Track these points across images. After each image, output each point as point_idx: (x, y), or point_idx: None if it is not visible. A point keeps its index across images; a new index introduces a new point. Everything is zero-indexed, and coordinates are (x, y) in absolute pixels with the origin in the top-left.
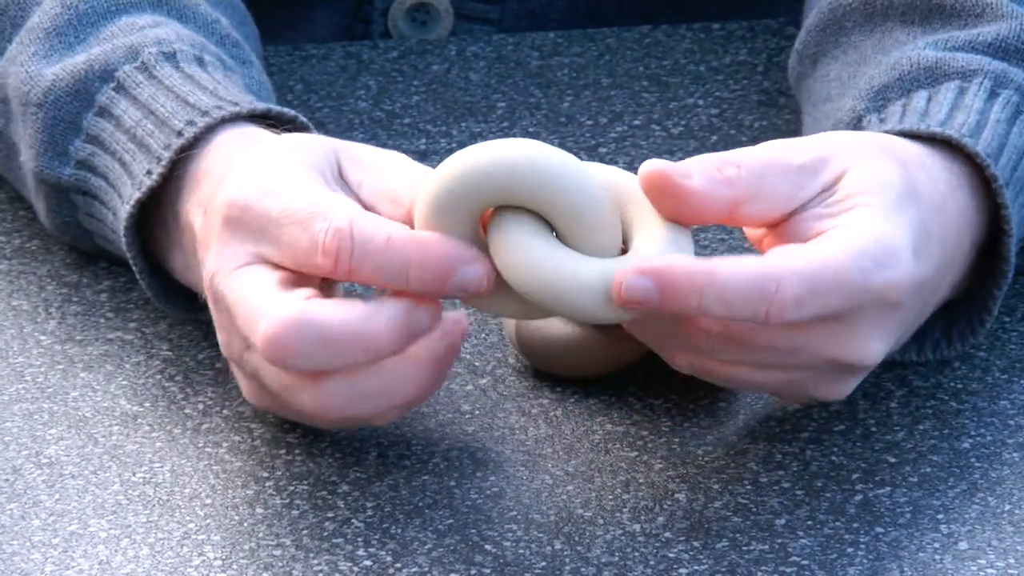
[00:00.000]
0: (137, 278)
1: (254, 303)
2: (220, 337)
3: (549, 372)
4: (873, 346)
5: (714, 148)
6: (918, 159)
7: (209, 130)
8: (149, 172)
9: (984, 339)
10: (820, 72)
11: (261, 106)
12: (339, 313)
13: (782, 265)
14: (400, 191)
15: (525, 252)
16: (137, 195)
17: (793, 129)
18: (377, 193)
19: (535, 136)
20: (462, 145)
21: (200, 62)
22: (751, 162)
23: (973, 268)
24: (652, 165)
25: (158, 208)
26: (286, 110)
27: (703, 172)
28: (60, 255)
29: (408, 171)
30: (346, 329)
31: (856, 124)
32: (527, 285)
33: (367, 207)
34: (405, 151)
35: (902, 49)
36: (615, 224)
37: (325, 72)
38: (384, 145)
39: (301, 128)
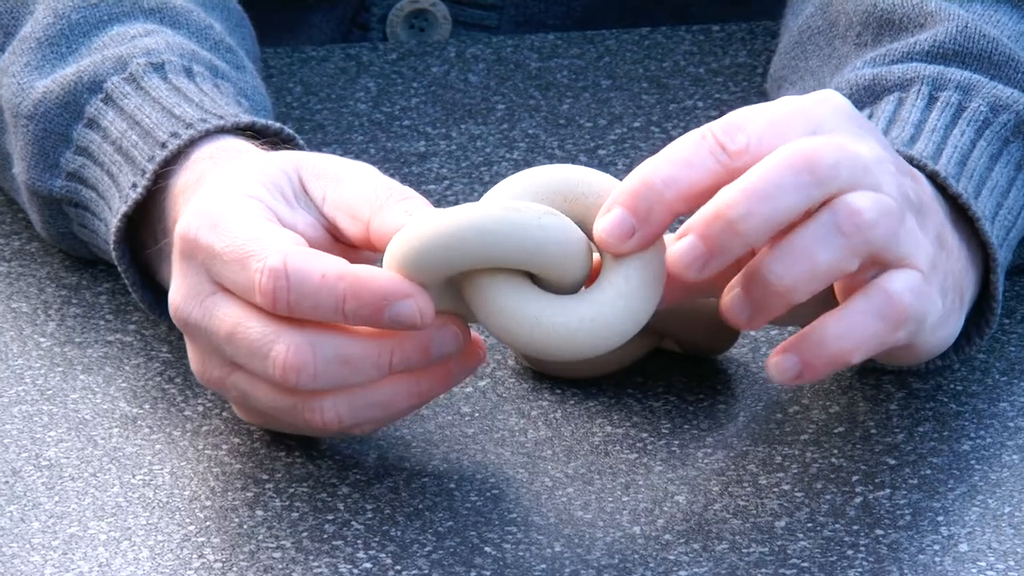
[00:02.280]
0: (129, 289)
1: (254, 330)
2: (194, 365)
3: (548, 374)
4: (867, 149)
5: None
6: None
7: (192, 143)
8: (135, 185)
9: (984, 341)
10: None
11: (245, 119)
12: (351, 337)
13: (816, 139)
14: (358, 206)
15: (504, 310)
16: (124, 208)
17: None
18: (337, 207)
19: (534, 138)
20: (462, 147)
21: (189, 73)
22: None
23: (977, 273)
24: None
25: (147, 220)
26: (271, 123)
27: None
28: (59, 257)
29: (369, 185)
30: (365, 348)
31: None
32: (512, 341)
33: (329, 221)
34: (404, 153)
35: (841, 74)
36: (588, 259)
37: (324, 74)
38: (383, 148)
39: (286, 140)
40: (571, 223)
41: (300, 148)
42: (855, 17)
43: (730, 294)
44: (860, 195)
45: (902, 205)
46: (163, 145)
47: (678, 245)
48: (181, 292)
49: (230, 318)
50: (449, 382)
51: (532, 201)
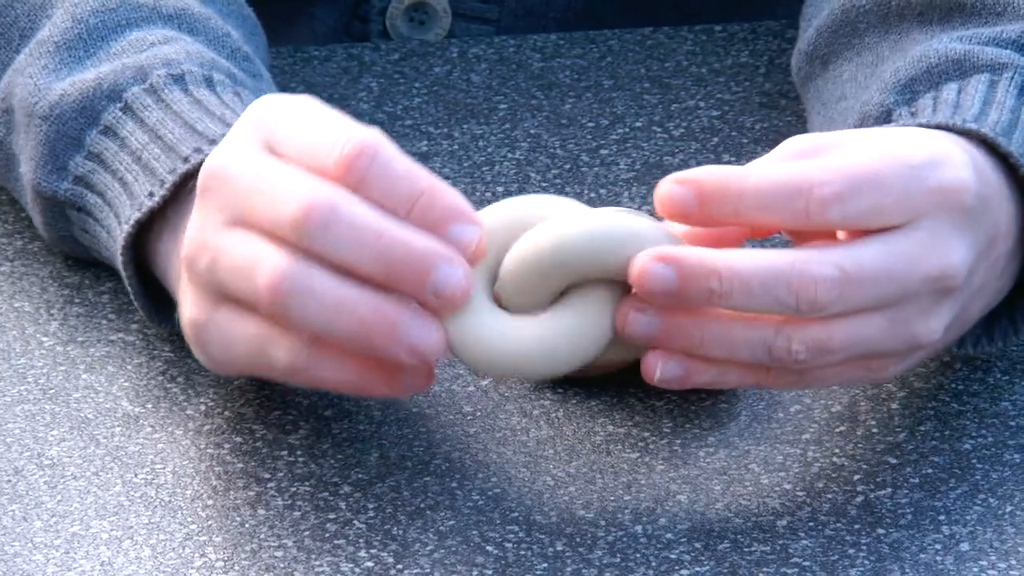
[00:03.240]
0: (131, 296)
1: (260, 252)
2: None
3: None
4: (959, 251)
5: (715, 150)
6: (957, 141)
7: None
8: (151, 194)
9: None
10: (832, 73)
11: None
12: (342, 284)
13: (818, 166)
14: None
15: (472, 327)
16: (137, 215)
17: (794, 131)
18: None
19: (536, 138)
20: (464, 147)
21: (209, 83)
22: (756, 164)
23: (1019, 266)
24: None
25: (156, 228)
26: None
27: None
28: (62, 257)
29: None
30: (347, 294)
31: (886, 118)
32: (475, 357)
33: None
34: (407, 152)
35: (927, 43)
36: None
37: (327, 74)
38: None
39: None
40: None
41: None
42: None
43: (640, 314)
44: (809, 334)
45: (885, 338)
46: (185, 159)
47: (656, 265)
48: (196, 226)
49: (242, 245)
50: (391, 337)
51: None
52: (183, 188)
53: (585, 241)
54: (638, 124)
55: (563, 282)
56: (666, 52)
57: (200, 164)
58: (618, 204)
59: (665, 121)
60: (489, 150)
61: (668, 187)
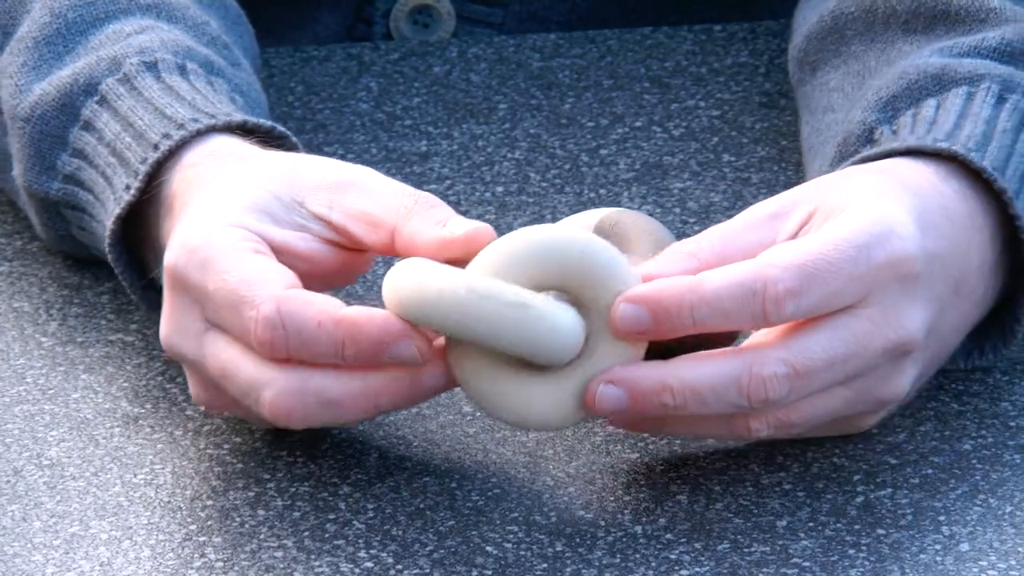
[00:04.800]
0: (127, 290)
1: (244, 371)
2: (193, 390)
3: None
4: (913, 318)
5: (715, 150)
6: (912, 170)
7: (184, 143)
8: (127, 187)
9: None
10: (820, 80)
11: (238, 118)
12: (341, 381)
13: (769, 262)
14: (378, 214)
15: (487, 380)
16: (117, 211)
17: (794, 130)
18: (350, 215)
19: (536, 138)
20: (463, 147)
21: (182, 70)
22: (715, 230)
23: (1004, 278)
24: (627, 311)
25: (143, 221)
26: (263, 121)
27: (666, 258)
28: (61, 257)
29: (387, 190)
30: (353, 393)
31: (868, 136)
32: (495, 412)
33: (339, 229)
34: (406, 152)
35: (907, 58)
36: (575, 346)
37: (326, 74)
38: (385, 147)
39: (278, 139)
40: (562, 314)
41: (293, 146)
42: (899, 5)
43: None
44: (765, 423)
45: (859, 397)
46: (155, 147)
47: (608, 388)
48: (171, 325)
49: (222, 358)
50: (410, 400)
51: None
52: (159, 174)
53: (529, 250)
54: (638, 124)
55: (528, 283)
56: (666, 52)
57: (170, 151)
58: (618, 204)
59: (665, 121)
60: (489, 150)
61: (622, 308)
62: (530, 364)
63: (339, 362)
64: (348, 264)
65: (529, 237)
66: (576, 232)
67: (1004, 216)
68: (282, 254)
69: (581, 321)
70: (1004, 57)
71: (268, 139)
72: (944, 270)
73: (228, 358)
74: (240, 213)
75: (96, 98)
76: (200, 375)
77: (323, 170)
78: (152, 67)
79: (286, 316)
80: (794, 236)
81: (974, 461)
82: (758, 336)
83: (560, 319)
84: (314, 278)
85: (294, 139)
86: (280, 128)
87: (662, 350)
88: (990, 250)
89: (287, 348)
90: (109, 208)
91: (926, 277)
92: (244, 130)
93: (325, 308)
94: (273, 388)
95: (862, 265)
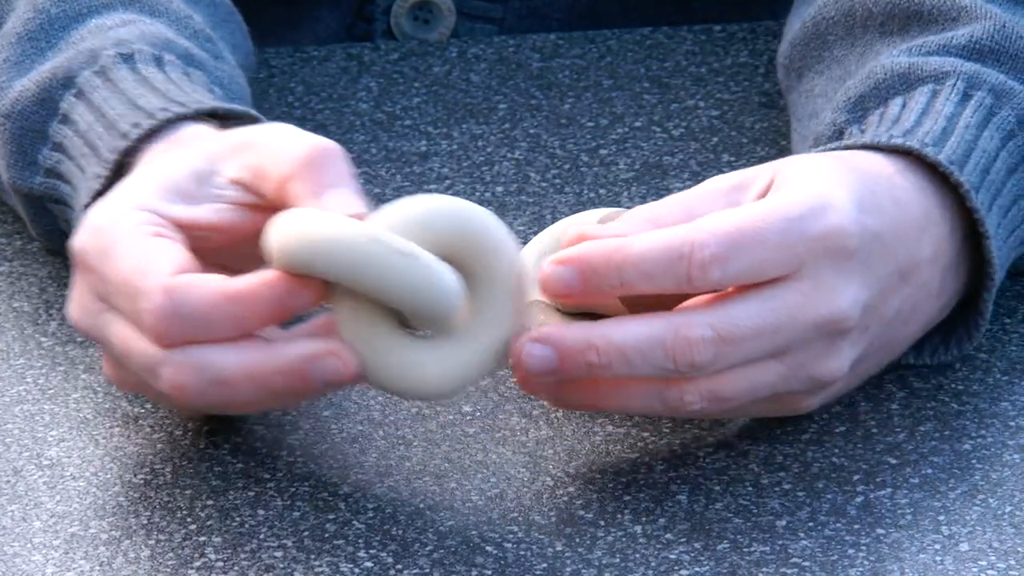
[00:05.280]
0: None
1: (142, 352)
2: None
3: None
4: (845, 295)
5: (715, 150)
6: (869, 160)
7: (154, 132)
8: (97, 176)
9: (985, 341)
10: (805, 87)
11: (207, 105)
12: (231, 356)
13: (697, 227)
14: (269, 165)
15: (372, 346)
16: (85, 201)
17: None
18: (247, 168)
19: (536, 138)
20: (463, 147)
21: (159, 62)
22: (673, 198)
23: (967, 276)
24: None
25: None
26: (235, 107)
27: (623, 224)
28: (61, 257)
29: (281, 145)
30: (248, 373)
31: (838, 136)
32: (377, 377)
33: (250, 188)
34: (406, 152)
35: (877, 58)
36: (453, 309)
37: (326, 74)
38: (385, 147)
39: (251, 123)
40: (447, 271)
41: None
42: (875, 8)
43: (554, 273)
44: (698, 392)
45: (793, 373)
46: (124, 136)
47: (534, 347)
48: (77, 304)
49: (120, 338)
50: (304, 385)
51: (424, 233)
52: (131, 163)
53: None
54: (637, 124)
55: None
56: (665, 52)
57: (139, 140)
58: (618, 204)
59: (664, 121)
60: (488, 150)
61: (550, 269)
62: (413, 333)
63: (245, 335)
64: (260, 226)
65: (426, 203)
66: (472, 205)
67: (964, 211)
68: (193, 230)
69: (463, 285)
70: (972, 55)
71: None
72: (885, 251)
73: (127, 337)
74: (149, 194)
75: (74, 91)
76: (107, 353)
77: (247, 133)
78: (128, 59)
79: (178, 304)
80: (758, 198)
81: (974, 461)
82: (688, 303)
83: (445, 274)
84: (236, 246)
85: (264, 122)
86: (254, 113)
87: None
88: (948, 246)
89: (183, 335)
90: (82, 199)
91: (863, 255)
92: (219, 118)
93: (215, 287)
94: (171, 365)
95: (793, 236)
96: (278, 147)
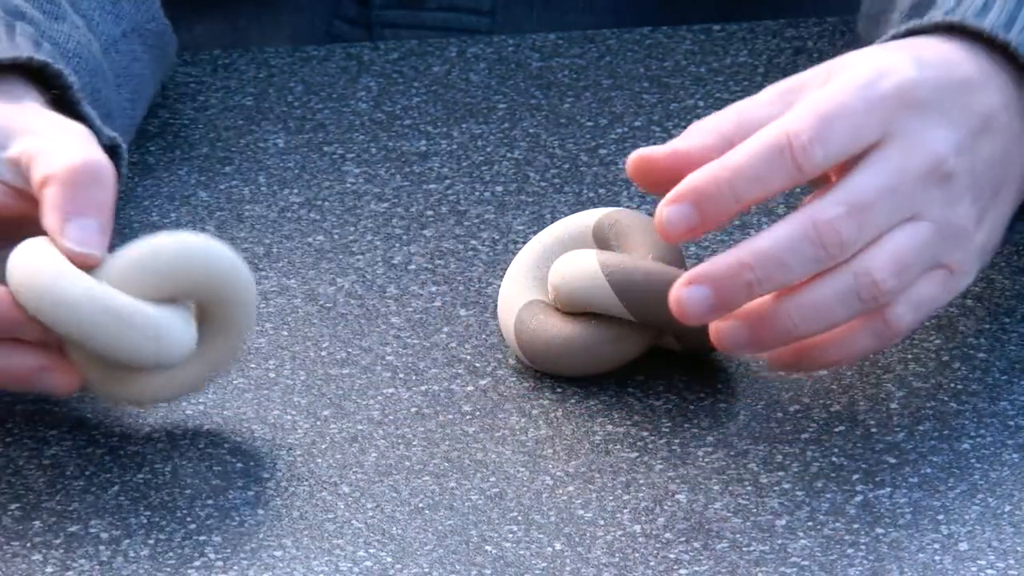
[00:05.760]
0: None
1: None
2: None
3: (550, 372)
4: (935, 138)
5: None
6: (918, 42)
7: None
8: None
9: (984, 340)
10: (881, 30)
11: (21, 55)
12: None
13: (785, 120)
14: (38, 160)
15: (93, 366)
16: None
17: None
18: (26, 154)
19: (535, 138)
20: (462, 146)
21: None
22: (732, 107)
23: None
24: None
25: None
26: (36, 57)
27: (683, 136)
28: None
29: (63, 145)
30: None
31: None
32: (97, 389)
33: (19, 169)
34: (405, 152)
35: None
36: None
37: (325, 73)
38: (384, 147)
39: (53, 77)
40: (170, 322)
41: (68, 85)
42: None
43: (727, 324)
44: (879, 259)
45: (938, 233)
46: None
47: (688, 290)
48: None
49: None
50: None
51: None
52: None
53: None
54: (637, 123)
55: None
56: (665, 52)
57: None
58: (617, 204)
59: (664, 120)
60: (488, 149)
61: (665, 212)
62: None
63: None
64: (28, 213)
65: (152, 245)
66: (199, 240)
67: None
68: None
69: (191, 330)
70: None
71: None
72: (957, 98)
73: None
74: None
75: None
76: None
77: (39, 118)
78: None
79: None
80: None
81: (973, 460)
82: (809, 198)
83: (164, 329)
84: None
85: (71, 79)
86: (55, 67)
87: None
88: (1018, 101)
89: None
90: None
91: (937, 103)
92: (46, 78)
93: None
94: None
95: (873, 100)
96: (55, 145)
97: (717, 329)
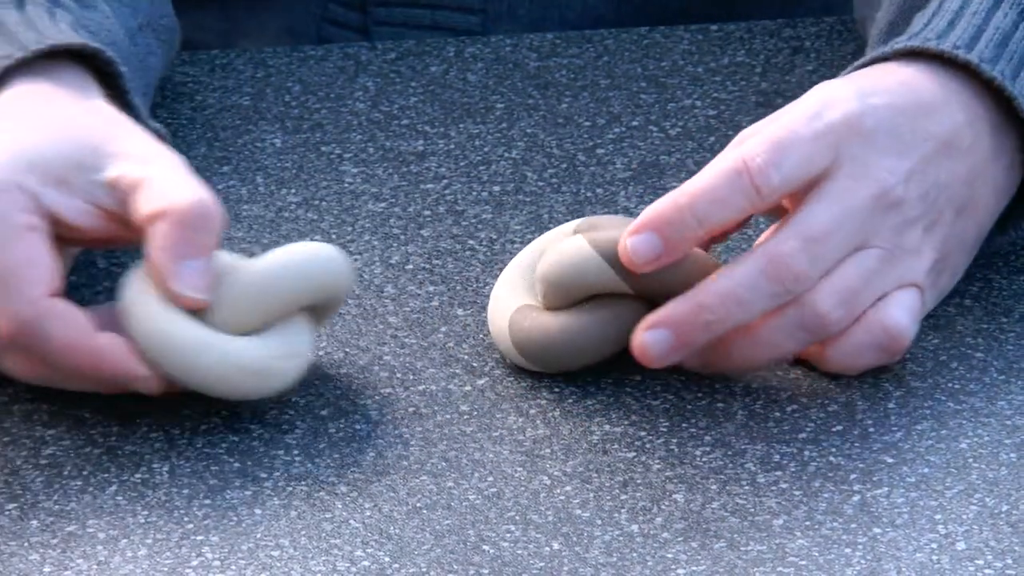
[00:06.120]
0: None
1: None
2: None
3: (551, 370)
4: (883, 166)
5: (712, 149)
6: (878, 69)
7: (8, 73)
8: None
9: (982, 340)
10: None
11: (48, 44)
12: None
13: (741, 145)
14: (147, 193)
15: (164, 326)
16: None
17: None
18: (128, 182)
19: (533, 138)
20: (460, 146)
21: (20, 4)
22: (688, 187)
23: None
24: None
25: None
26: (74, 42)
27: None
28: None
29: (174, 183)
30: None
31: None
32: (169, 363)
33: (120, 202)
34: (403, 152)
35: None
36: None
37: (323, 73)
38: (382, 147)
39: (104, 64)
40: (280, 367)
41: (121, 81)
42: None
43: (676, 353)
44: (825, 297)
45: (887, 260)
46: None
47: (650, 334)
48: None
49: None
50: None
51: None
52: None
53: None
54: (635, 123)
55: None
56: (662, 51)
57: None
58: (614, 203)
59: (661, 120)
60: (486, 149)
61: (630, 242)
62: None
63: (72, 376)
64: (117, 235)
65: (266, 274)
66: (309, 253)
67: (997, 94)
68: (58, 224)
69: (306, 344)
70: None
71: (99, 65)
72: (909, 122)
73: None
74: (25, 169)
75: None
76: None
77: (141, 144)
78: None
79: (39, 332)
80: None
81: (970, 460)
82: (766, 235)
83: (278, 368)
84: (81, 244)
85: (121, 68)
86: (96, 48)
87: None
88: (985, 117)
89: (28, 350)
90: None
91: (886, 129)
92: (87, 61)
93: (76, 335)
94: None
95: (820, 127)
96: (166, 182)
97: (643, 340)
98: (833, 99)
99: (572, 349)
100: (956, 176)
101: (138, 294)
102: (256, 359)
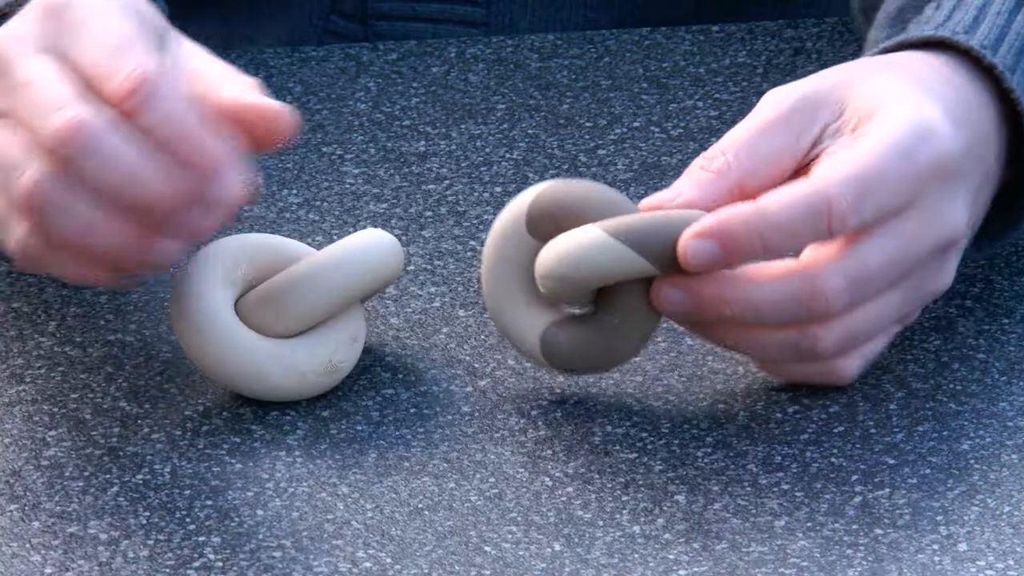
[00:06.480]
0: None
1: (51, 89)
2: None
3: (584, 375)
4: (955, 214)
5: None
6: (919, 62)
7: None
8: None
9: (983, 341)
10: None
11: None
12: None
13: (827, 179)
14: (211, 89)
15: (215, 333)
16: None
17: None
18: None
19: (534, 138)
20: (462, 147)
21: None
22: (735, 139)
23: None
24: (646, 204)
25: None
26: None
27: (691, 180)
28: None
29: (231, 84)
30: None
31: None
32: (240, 383)
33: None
34: (404, 153)
35: None
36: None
37: (324, 74)
38: (383, 147)
39: None
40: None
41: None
42: None
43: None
44: (830, 337)
45: (904, 304)
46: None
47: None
48: (17, 36)
49: (38, 70)
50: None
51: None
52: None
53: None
54: (636, 124)
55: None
56: (664, 52)
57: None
58: None
59: (663, 121)
60: (487, 150)
61: (691, 245)
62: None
63: (168, 152)
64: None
65: (323, 277)
66: (364, 243)
67: (1002, 95)
68: None
69: (360, 336)
70: None
71: None
72: (978, 162)
73: (10, 142)
74: (129, 18)
75: None
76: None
77: (192, 50)
78: None
79: (162, 84)
80: (819, 139)
81: (972, 461)
82: (817, 254)
83: (336, 367)
84: None
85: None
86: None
87: None
88: (996, 135)
89: (140, 106)
90: None
91: (964, 172)
92: None
93: (192, 107)
94: (34, 174)
95: (909, 169)
96: (223, 82)
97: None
98: (930, 129)
99: (615, 354)
100: (986, 207)
101: (188, 300)
102: (320, 363)
